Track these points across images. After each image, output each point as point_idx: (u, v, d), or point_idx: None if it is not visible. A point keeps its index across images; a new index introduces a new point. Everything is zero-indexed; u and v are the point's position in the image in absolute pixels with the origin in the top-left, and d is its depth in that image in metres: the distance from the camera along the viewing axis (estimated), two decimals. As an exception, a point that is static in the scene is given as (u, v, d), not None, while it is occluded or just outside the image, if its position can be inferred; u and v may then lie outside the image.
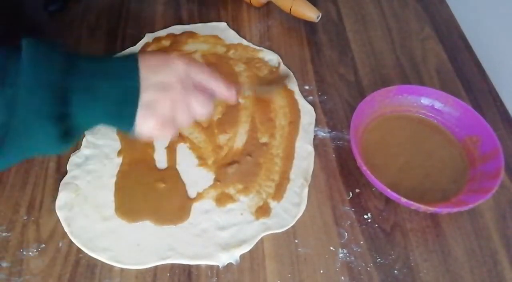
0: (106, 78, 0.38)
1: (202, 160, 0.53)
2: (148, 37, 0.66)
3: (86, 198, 0.50)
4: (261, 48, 0.65)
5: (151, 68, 0.39)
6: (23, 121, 0.34)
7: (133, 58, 0.39)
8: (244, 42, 0.66)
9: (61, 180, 0.51)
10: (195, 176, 0.52)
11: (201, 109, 0.41)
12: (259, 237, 0.47)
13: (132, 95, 0.38)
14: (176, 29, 0.67)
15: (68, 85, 0.36)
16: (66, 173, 0.52)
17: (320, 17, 0.66)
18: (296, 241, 0.47)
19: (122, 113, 0.38)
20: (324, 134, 0.56)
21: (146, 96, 0.38)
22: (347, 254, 0.47)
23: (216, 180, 0.51)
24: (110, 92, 0.37)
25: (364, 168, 0.48)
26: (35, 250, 0.46)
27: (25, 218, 0.49)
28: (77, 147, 0.54)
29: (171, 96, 0.39)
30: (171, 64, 0.40)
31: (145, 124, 0.39)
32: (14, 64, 0.35)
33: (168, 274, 0.45)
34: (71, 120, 0.36)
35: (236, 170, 0.52)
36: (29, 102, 0.34)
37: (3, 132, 0.34)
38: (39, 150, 0.39)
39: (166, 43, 0.65)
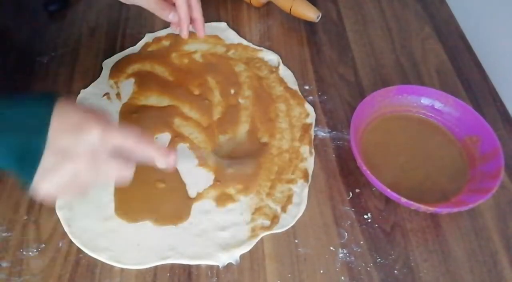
0: (11, 126, 0.36)
1: (202, 160, 0.53)
2: (148, 37, 0.66)
3: (86, 198, 0.50)
4: (261, 48, 0.65)
5: (62, 129, 0.36)
6: None
7: (47, 110, 0.36)
8: (244, 42, 0.66)
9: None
10: (195, 175, 0.52)
11: (115, 174, 0.39)
12: (259, 237, 0.47)
13: (34, 153, 0.36)
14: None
15: None
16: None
17: (320, 17, 0.66)
18: (296, 241, 0.47)
19: (21, 167, 0.37)
20: (324, 134, 0.56)
21: (47, 159, 0.36)
22: (347, 254, 0.47)
23: (216, 180, 0.51)
24: (12, 142, 0.36)
25: (364, 168, 0.48)
26: (35, 250, 0.46)
27: (25, 218, 0.49)
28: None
29: (74, 165, 0.37)
30: (84, 131, 0.37)
31: (42, 185, 0.37)
32: None
33: (168, 274, 0.45)
34: None
35: (236, 170, 0.52)
36: None
37: None
38: None
39: (166, 43, 0.66)
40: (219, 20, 0.69)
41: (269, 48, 0.65)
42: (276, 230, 0.48)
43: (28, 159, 0.36)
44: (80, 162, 0.37)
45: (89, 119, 0.37)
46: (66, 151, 0.36)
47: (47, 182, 0.37)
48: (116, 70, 0.62)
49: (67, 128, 0.37)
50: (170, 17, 0.54)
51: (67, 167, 0.37)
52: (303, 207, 0.49)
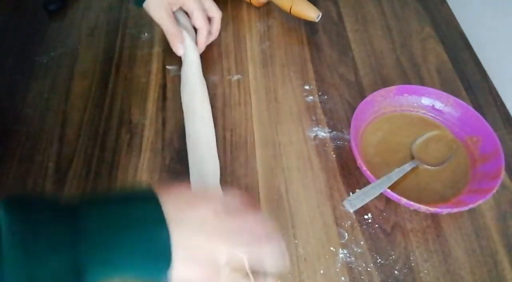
0: (125, 240, 0.30)
1: None
2: None
3: None
4: None
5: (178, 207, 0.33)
6: None
7: (155, 207, 0.32)
8: None
9: (60, 179, 0.51)
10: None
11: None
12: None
13: (163, 249, 0.31)
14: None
15: (79, 262, 0.28)
16: (66, 172, 0.52)
17: (320, 17, 0.66)
18: (296, 241, 0.47)
19: (152, 273, 0.32)
20: (324, 135, 0.56)
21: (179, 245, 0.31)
22: (348, 255, 0.46)
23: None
24: (134, 258, 0.30)
25: (364, 168, 0.48)
26: (34, 250, 0.46)
27: (25, 218, 0.49)
28: (76, 147, 0.54)
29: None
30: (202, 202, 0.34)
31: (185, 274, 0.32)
32: None
33: (168, 275, 0.45)
34: None
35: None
36: None
37: None
38: None
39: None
40: (219, 20, 0.69)
41: (269, 48, 0.65)
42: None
43: (158, 260, 0.31)
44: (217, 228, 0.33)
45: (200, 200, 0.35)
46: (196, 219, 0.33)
47: (189, 268, 0.32)
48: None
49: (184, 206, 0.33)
50: (179, 52, 0.60)
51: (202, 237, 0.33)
52: None
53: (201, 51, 0.63)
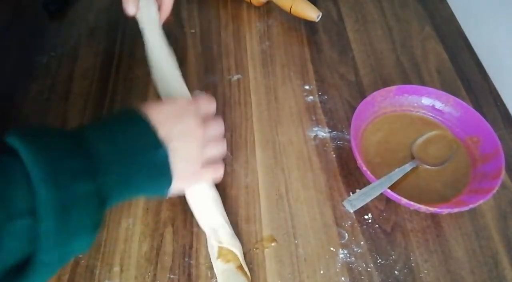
0: (133, 158, 0.35)
1: None
2: None
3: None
4: None
5: (164, 120, 0.38)
6: (50, 250, 0.29)
7: (148, 130, 0.37)
8: None
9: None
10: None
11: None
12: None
13: (163, 162, 0.37)
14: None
15: (101, 190, 0.32)
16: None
17: (320, 17, 0.66)
18: (296, 241, 0.47)
19: (159, 184, 0.38)
20: (324, 135, 0.56)
21: (174, 149, 0.37)
22: (348, 255, 0.46)
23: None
24: (141, 171, 0.36)
25: (364, 168, 0.48)
26: (34, 251, 0.46)
27: (25, 218, 0.49)
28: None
29: (198, 142, 0.40)
30: (184, 114, 0.40)
31: (183, 179, 0.40)
32: (17, 187, 0.28)
33: (168, 275, 0.45)
34: (105, 213, 0.34)
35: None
36: (60, 231, 0.29)
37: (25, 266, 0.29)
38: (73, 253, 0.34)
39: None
40: (219, 19, 0.69)
41: (269, 47, 0.65)
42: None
43: (161, 170, 0.37)
44: (199, 135, 0.40)
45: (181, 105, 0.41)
46: (182, 131, 0.39)
47: (187, 172, 0.40)
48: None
49: (169, 118, 0.39)
50: (129, 10, 0.54)
51: (193, 145, 0.40)
52: None
53: (166, 14, 0.57)
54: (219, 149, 0.44)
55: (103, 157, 0.33)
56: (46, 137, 0.32)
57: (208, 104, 0.45)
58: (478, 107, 0.59)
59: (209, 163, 0.43)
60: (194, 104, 0.42)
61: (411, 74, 0.63)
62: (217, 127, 0.44)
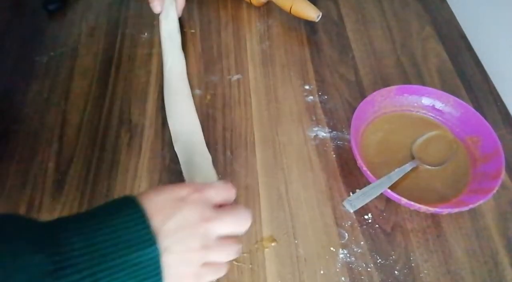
0: (115, 256, 0.29)
1: None
2: None
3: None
4: None
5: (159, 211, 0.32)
6: None
7: (140, 222, 0.31)
8: None
9: (60, 179, 0.51)
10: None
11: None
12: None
13: (151, 263, 0.31)
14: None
15: None
16: (65, 172, 0.52)
17: (320, 17, 0.66)
18: (296, 241, 0.47)
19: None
20: (324, 135, 0.56)
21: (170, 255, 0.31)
22: (348, 255, 0.46)
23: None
24: (123, 272, 0.29)
25: (364, 168, 0.48)
26: (34, 251, 0.46)
27: (25, 218, 0.49)
28: (76, 147, 0.54)
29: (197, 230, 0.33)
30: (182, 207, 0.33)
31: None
32: None
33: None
34: None
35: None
36: None
37: None
38: None
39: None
40: (219, 19, 0.69)
41: (269, 47, 0.65)
42: (276, 230, 0.47)
43: (145, 272, 0.30)
44: (202, 231, 0.33)
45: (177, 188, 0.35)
46: (181, 225, 0.32)
47: (182, 275, 0.33)
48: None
49: (165, 207, 0.33)
50: (155, 9, 0.62)
51: (193, 244, 0.33)
52: None
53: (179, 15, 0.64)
54: (229, 253, 0.36)
55: (73, 253, 0.28)
56: (9, 230, 0.28)
57: (224, 193, 0.37)
58: (478, 107, 0.59)
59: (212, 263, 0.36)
60: (202, 191, 0.35)
61: (411, 74, 0.63)
62: (233, 221, 0.36)
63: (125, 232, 0.30)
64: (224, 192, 0.37)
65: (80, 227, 0.30)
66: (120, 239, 0.30)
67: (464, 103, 0.54)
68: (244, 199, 0.51)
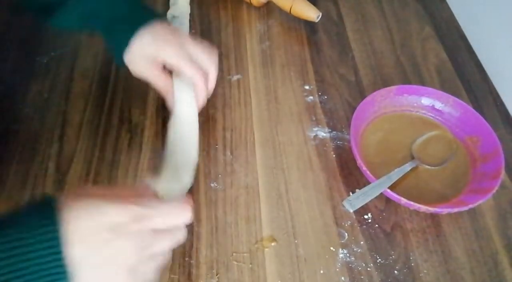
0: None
1: None
2: None
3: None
4: None
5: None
6: None
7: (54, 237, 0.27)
8: None
9: (60, 179, 0.51)
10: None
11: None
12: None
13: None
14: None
15: None
16: (65, 172, 0.52)
17: (320, 17, 0.66)
18: (296, 241, 0.47)
19: None
20: (324, 135, 0.56)
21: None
22: (348, 255, 0.46)
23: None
24: None
25: (364, 168, 0.48)
26: (34, 250, 0.46)
27: (25, 218, 0.49)
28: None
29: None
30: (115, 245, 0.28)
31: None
32: None
33: (168, 274, 0.45)
34: None
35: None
36: None
37: None
38: None
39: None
40: (219, 19, 0.69)
41: (269, 47, 0.65)
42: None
43: None
44: (129, 264, 0.29)
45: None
46: (106, 259, 0.28)
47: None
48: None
49: (92, 234, 0.28)
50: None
51: (117, 278, 0.29)
52: None
53: (199, 108, 0.52)
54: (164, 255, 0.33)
55: None
56: None
57: (174, 219, 0.33)
58: (478, 107, 0.59)
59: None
60: (143, 221, 0.30)
61: (411, 74, 0.63)
62: (172, 239, 0.33)
63: (35, 261, 0.26)
64: (174, 218, 0.33)
65: None
66: (27, 270, 0.26)
67: (463, 103, 0.54)
68: (244, 199, 0.51)
